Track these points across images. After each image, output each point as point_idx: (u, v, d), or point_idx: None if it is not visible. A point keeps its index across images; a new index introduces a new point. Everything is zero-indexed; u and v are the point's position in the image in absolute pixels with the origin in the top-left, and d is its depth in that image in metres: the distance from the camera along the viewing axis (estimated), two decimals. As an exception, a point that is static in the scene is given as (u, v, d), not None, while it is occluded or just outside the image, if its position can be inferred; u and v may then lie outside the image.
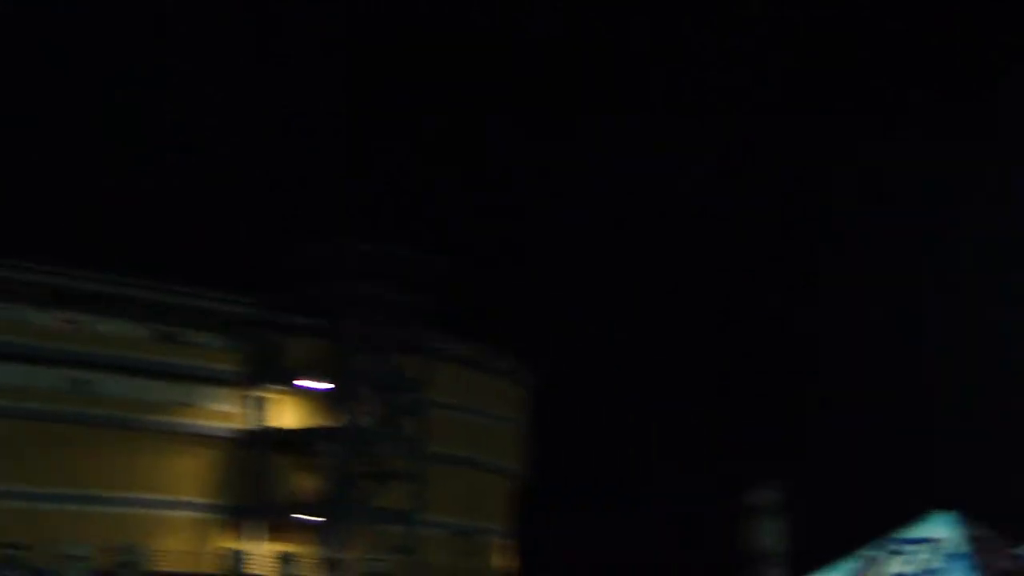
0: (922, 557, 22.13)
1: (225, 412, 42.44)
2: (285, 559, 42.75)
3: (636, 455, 41.64)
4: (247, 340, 42.96)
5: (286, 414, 43.81)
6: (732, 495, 32.87)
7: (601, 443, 42.50)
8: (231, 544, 42.17)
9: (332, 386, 43.28)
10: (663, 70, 54.31)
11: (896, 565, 22.27)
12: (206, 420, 42.15)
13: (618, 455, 41.58)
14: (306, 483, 43.06)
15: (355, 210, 48.12)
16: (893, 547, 22.70)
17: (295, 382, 43.60)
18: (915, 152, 45.27)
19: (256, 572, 42.25)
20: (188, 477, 41.67)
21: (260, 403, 42.91)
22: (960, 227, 44.92)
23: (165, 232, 51.22)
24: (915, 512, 23.11)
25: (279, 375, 43.23)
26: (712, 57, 53.72)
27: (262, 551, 42.62)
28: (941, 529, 22.36)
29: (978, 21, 49.63)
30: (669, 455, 40.93)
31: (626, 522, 40.15)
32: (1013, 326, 43.10)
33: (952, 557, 21.74)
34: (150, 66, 52.99)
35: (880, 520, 24.49)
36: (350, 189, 51.98)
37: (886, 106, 48.15)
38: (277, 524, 42.86)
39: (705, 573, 29.17)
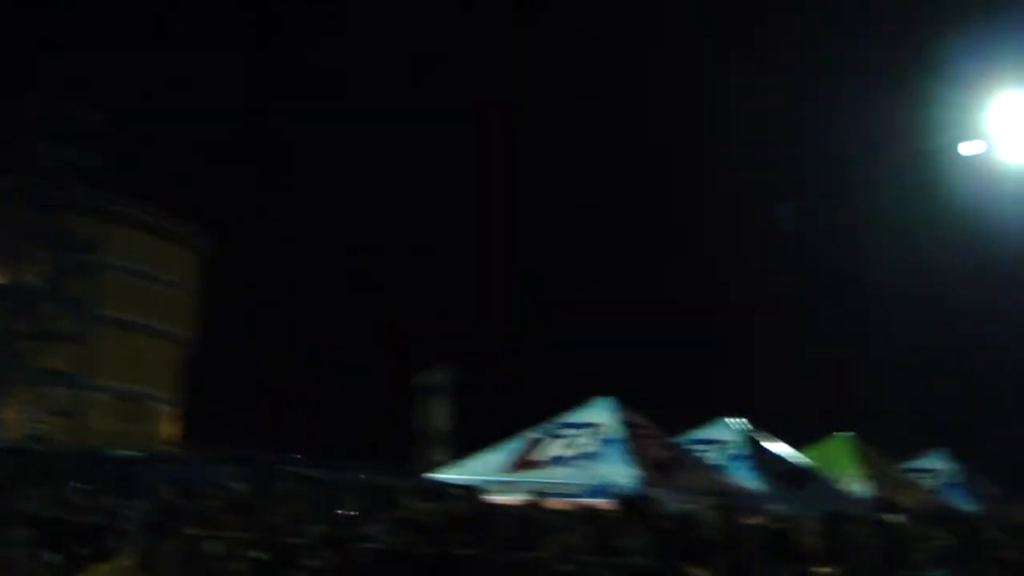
0: (581, 441, 22.40)
1: None
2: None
3: (310, 330, 41.84)
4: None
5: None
6: (403, 375, 33.46)
7: (273, 315, 42.53)
8: None
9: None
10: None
11: (556, 448, 22.47)
12: None
13: (290, 329, 41.72)
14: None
15: (25, 67, 46.39)
16: (555, 430, 22.96)
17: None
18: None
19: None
20: None
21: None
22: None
23: None
24: (579, 398, 23.72)
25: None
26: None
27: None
28: (601, 414, 22.71)
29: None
30: (342, 332, 41.23)
31: (294, 395, 40.46)
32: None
33: (609, 442, 22.16)
34: None
35: (544, 404, 25.23)
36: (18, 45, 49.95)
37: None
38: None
39: (374, 450, 29.71)
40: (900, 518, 15.88)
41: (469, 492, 17.30)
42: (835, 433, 28.41)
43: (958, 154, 33.79)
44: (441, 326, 39.29)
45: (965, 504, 25.90)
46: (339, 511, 15.73)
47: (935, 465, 29.75)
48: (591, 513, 16.05)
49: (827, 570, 11.70)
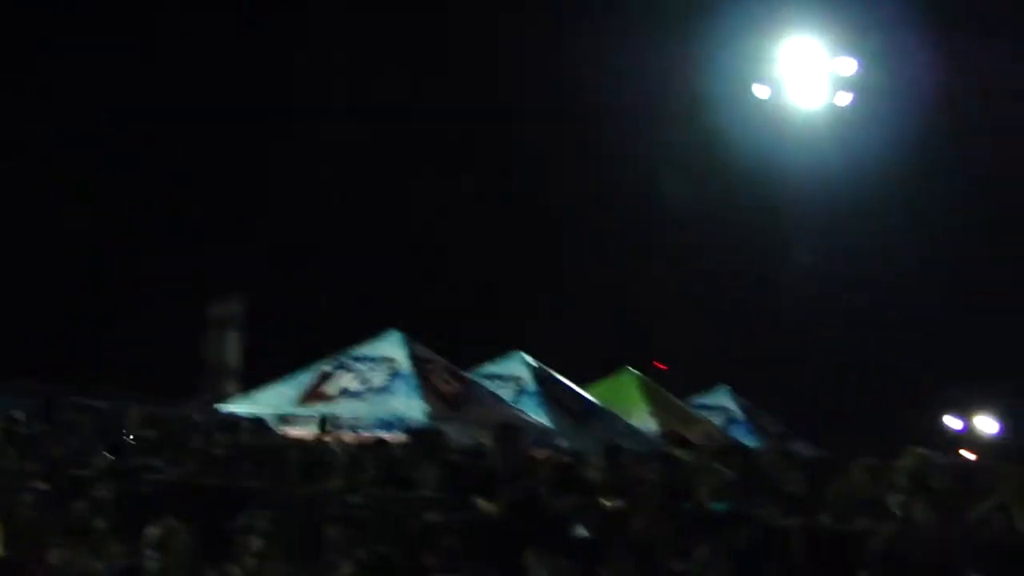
0: (371, 374, 22.44)
1: None
2: None
3: (92, 256, 40.88)
4: None
5: None
6: (192, 305, 32.97)
7: (57, 236, 41.39)
8: None
9: None
10: None
11: (346, 381, 22.50)
12: None
13: (73, 253, 40.73)
14: None
15: None
16: (345, 363, 22.98)
17: None
18: None
19: None
20: None
21: None
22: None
23: None
24: (370, 331, 23.70)
25: None
26: None
27: None
28: (392, 348, 22.78)
29: None
30: (125, 254, 40.34)
31: (76, 324, 39.58)
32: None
33: (399, 376, 22.24)
34: None
35: (335, 337, 25.10)
36: None
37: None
38: None
39: (161, 382, 29.27)
40: (685, 453, 16.22)
41: (258, 424, 17.18)
42: (622, 369, 28.84)
43: (746, 98, 34.45)
44: (230, 256, 38.71)
45: (749, 440, 26.55)
46: (125, 442, 15.51)
47: (720, 402, 30.39)
48: (380, 446, 16.11)
49: (611, 502, 11.92)
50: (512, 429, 13.66)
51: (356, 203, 43.16)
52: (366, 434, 20.24)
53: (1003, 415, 53.74)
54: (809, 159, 33.99)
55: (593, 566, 9.25)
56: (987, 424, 53.94)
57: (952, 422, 53.98)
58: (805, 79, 33.11)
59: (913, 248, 48.24)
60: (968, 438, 50.54)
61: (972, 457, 35.30)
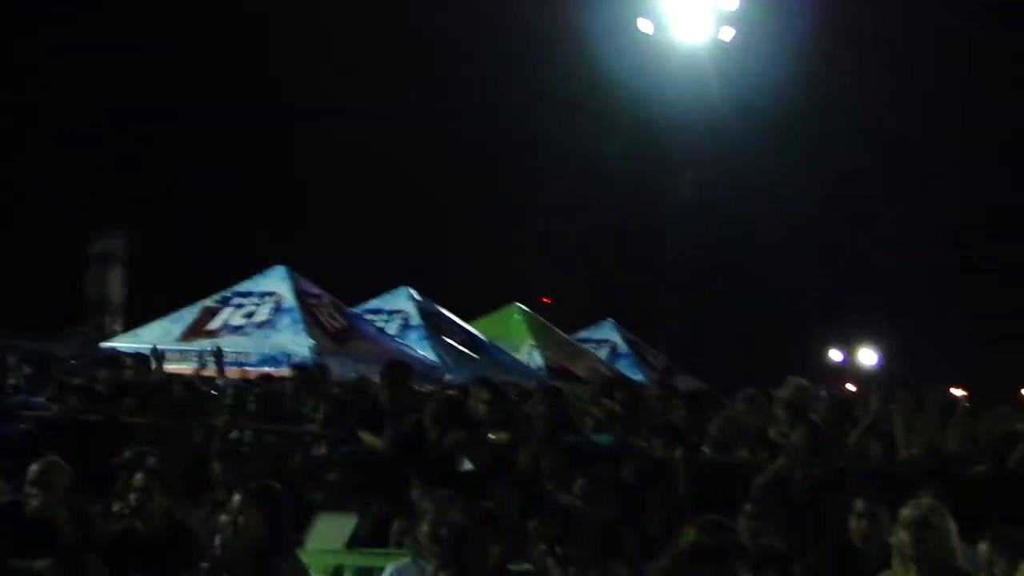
0: (256, 309, 22.40)
1: None
2: None
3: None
4: None
5: None
6: (75, 240, 32.53)
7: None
8: None
9: None
10: None
11: (230, 316, 22.46)
12: None
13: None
14: None
15: None
16: (229, 299, 22.90)
17: None
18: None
19: None
20: None
21: None
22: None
23: None
24: (254, 267, 23.52)
25: None
26: None
27: None
28: (276, 283, 22.71)
29: None
30: (8, 193, 39.72)
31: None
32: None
33: (284, 311, 22.20)
34: None
35: (219, 273, 24.92)
36: None
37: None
38: None
39: (43, 318, 28.84)
40: (570, 386, 16.34)
41: (141, 360, 17.02)
42: (508, 304, 28.92)
43: (630, 33, 34.51)
44: (113, 190, 38.21)
45: (634, 373, 26.80)
46: (5, 380, 15.29)
47: (606, 336, 30.61)
48: (265, 381, 16.03)
49: (497, 436, 11.97)
50: (398, 364, 13.64)
51: (242, 137, 42.76)
52: (251, 369, 20.22)
53: (883, 348, 54.75)
54: (693, 94, 34.14)
55: (479, 499, 9.28)
56: (868, 356, 54.94)
57: (834, 354, 54.92)
58: (689, 14, 33.19)
59: (797, 183, 48.82)
60: (849, 370, 51.45)
61: (853, 388, 35.91)
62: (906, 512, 8.04)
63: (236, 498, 8.14)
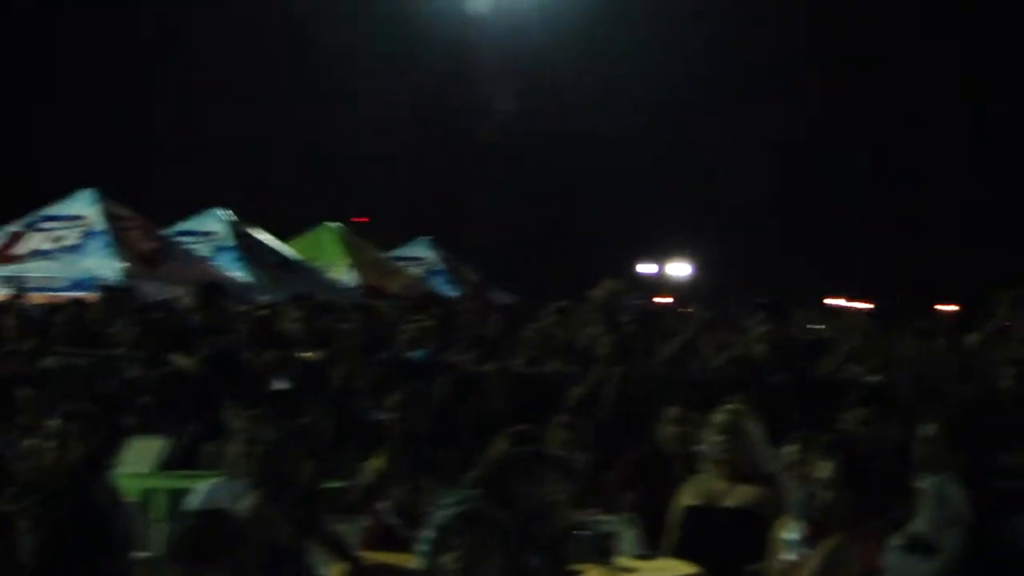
0: (63, 234, 21.96)
1: None
2: None
3: None
4: None
5: None
6: None
7: None
8: None
9: None
10: None
11: (37, 241, 21.96)
12: None
13: None
14: None
15: None
16: (35, 223, 22.39)
17: None
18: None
19: None
20: None
21: None
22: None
23: None
24: (61, 190, 23.05)
25: None
26: None
27: None
28: (84, 207, 22.24)
29: None
30: None
31: None
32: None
33: (92, 234, 21.78)
34: None
35: (24, 197, 24.34)
36: None
37: None
38: None
39: None
40: (384, 304, 16.33)
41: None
42: (322, 223, 28.77)
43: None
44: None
45: (448, 290, 26.86)
46: None
47: (420, 253, 30.59)
48: (72, 305, 15.75)
49: (311, 354, 11.97)
50: (211, 285, 13.53)
51: (57, 55, 41.73)
52: (60, 295, 19.82)
53: (694, 260, 55.61)
54: (507, 6, 34.09)
55: (293, 417, 9.27)
56: (679, 269, 55.69)
57: (647, 267, 55.54)
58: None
59: (613, 98, 49.18)
60: (661, 282, 52.14)
61: (665, 300, 36.44)
62: (716, 417, 8.23)
63: (53, 423, 8.02)
